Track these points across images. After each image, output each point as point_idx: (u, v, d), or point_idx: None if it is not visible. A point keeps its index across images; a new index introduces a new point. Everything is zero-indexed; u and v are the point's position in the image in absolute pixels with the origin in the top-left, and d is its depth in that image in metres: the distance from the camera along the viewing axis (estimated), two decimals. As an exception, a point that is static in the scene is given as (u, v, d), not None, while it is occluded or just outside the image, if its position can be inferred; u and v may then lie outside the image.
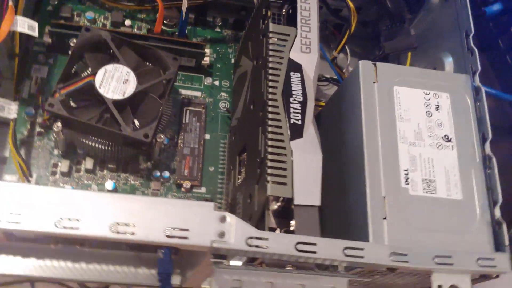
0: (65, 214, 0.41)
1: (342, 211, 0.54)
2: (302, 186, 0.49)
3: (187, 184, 0.63)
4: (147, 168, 0.64)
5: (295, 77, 0.53)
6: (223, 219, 0.44)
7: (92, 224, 0.41)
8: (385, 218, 0.48)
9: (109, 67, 0.58)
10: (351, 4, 0.66)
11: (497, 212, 0.50)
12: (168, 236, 0.42)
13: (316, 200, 0.49)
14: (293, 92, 0.53)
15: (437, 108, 0.54)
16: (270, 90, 0.52)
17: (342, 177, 0.55)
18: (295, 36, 0.55)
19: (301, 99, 0.53)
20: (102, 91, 0.57)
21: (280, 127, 0.51)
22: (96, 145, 0.59)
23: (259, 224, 0.50)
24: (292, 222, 0.48)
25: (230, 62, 0.73)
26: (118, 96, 0.57)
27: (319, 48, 0.56)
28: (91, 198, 0.42)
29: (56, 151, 0.62)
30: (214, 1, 0.73)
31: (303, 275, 0.48)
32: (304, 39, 0.55)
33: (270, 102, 0.52)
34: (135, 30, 0.71)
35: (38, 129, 0.62)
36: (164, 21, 0.71)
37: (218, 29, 0.75)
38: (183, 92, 0.69)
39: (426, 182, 0.50)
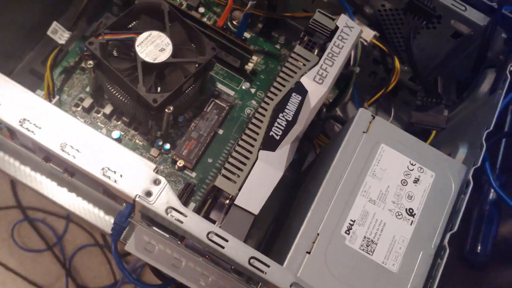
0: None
1: (285, 234, 0.55)
2: (249, 191, 0.51)
3: (180, 163, 0.68)
4: (155, 136, 0.69)
5: (295, 99, 0.56)
6: (156, 182, 0.47)
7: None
8: (308, 252, 0.49)
9: (154, 33, 0.65)
10: (397, 64, 0.67)
11: (424, 302, 0.49)
12: (102, 173, 0.47)
13: (255, 209, 0.51)
14: (286, 110, 0.55)
15: (416, 181, 0.53)
16: (266, 99, 0.56)
17: (300, 205, 0.56)
18: (315, 65, 0.58)
19: (290, 119, 0.55)
20: (138, 49, 0.63)
21: (257, 133, 0.54)
22: (118, 95, 0.66)
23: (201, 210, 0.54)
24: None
25: (275, 78, 0.77)
26: (148, 59, 0.63)
27: (332, 84, 0.58)
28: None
29: (88, 89, 0.70)
30: (285, 20, 0.78)
31: (214, 269, 0.50)
32: (322, 71, 0.58)
33: (259, 109, 0.55)
34: (205, 19, 0.78)
35: (83, 64, 0.71)
36: (233, 22, 0.78)
37: (277, 46, 0.79)
38: (219, 86, 0.75)
39: (367, 240, 0.50)
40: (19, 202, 1.21)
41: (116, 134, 0.68)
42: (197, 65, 0.66)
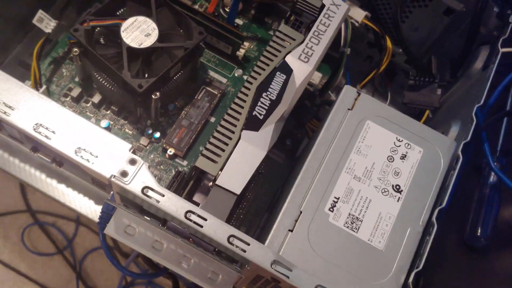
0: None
1: (271, 216, 0.55)
2: (230, 171, 0.51)
3: (171, 151, 0.68)
4: (145, 124, 0.69)
5: (279, 78, 0.56)
6: (132, 162, 0.47)
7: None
8: (291, 230, 0.48)
9: (140, 18, 0.65)
10: (389, 44, 0.66)
11: (411, 279, 0.47)
12: (76, 154, 0.47)
13: (237, 189, 0.51)
14: (269, 90, 0.55)
15: (403, 157, 0.52)
16: (249, 78, 0.55)
17: (286, 187, 0.55)
18: (300, 43, 0.58)
19: (274, 98, 0.55)
20: (123, 35, 0.64)
21: (240, 113, 0.53)
22: (105, 83, 0.66)
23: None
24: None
25: (269, 65, 0.76)
26: (134, 44, 0.63)
27: (318, 62, 0.58)
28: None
29: (77, 79, 0.70)
30: (278, 6, 0.78)
31: (196, 251, 0.49)
32: (308, 49, 0.58)
33: (242, 88, 0.55)
34: (196, 6, 0.78)
35: (72, 54, 0.71)
36: (225, 8, 0.78)
37: (271, 32, 0.79)
38: (211, 73, 0.74)
39: (351, 217, 0.49)
40: (29, 206, 1.22)
41: (104, 123, 0.68)
42: (184, 50, 0.66)
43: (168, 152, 0.68)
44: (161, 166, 0.68)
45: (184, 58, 0.65)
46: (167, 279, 0.66)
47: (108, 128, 0.68)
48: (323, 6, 0.60)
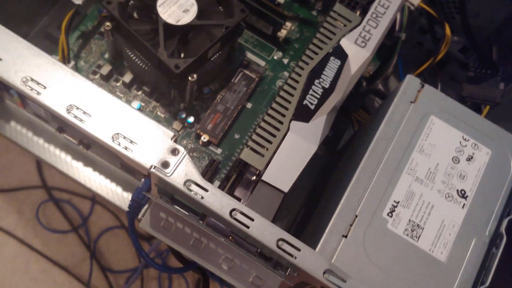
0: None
1: (318, 217, 0.50)
2: (278, 167, 0.47)
3: (205, 138, 0.63)
4: (178, 108, 0.65)
5: (333, 63, 0.51)
6: (175, 152, 0.43)
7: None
8: (344, 236, 0.44)
9: (178, -8, 0.60)
10: (447, 31, 0.61)
11: (478, 295, 0.43)
12: (113, 140, 0.43)
13: (285, 186, 0.46)
14: (322, 76, 0.50)
15: (469, 159, 0.48)
16: (300, 63, 0.51)
17: (336, 186, 0.51)
18: (357, 26, 0.53)
19: (327, 86, 0.50)
20: (159, 10, 0.59)
21: (289, 102, 0.49)
22: (138, 61, 0.61)
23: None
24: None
25: (310, 48, 0.71)
26: (171, 20, 0.59)
27: (376, 48, 0.53)
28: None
29: (107, 55, 0.66)
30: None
31: (238, 251, 0.45)
32: (365, 33, 0.53)
33: (292, 74, 0.50)
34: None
35: (102, 29, 0.67)
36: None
37: (314, 13, 0.74)
38: (249, 55, 0.70)
39: (412, 224, 0.45)
40: (44, 182, 1.19)
41: (136, 104, 0.64)
42: (224, 29, 0.61)
43: (202, 138, 0.64)
44: (194, 153, 0.64)
45: (224, 37, 0.60)
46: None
47: (139, 110, 0.64)
48: (383, -16, 0.55)
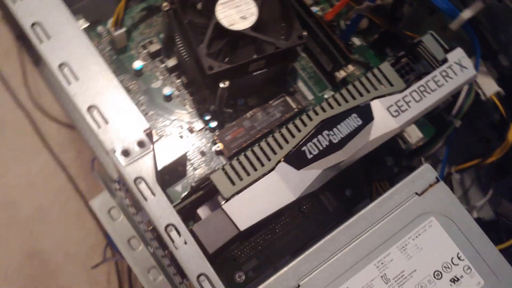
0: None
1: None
2: (246, 201, 0.43)
3: (219, 147, 0.61)
4: (207, 109, 0.63)
5: (353, 121, 0.47)
6: (141, 144, 0.41)
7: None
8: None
9: (239, -1, 0.58)
10: (510, 136, 0.54)
11: None
12: (88, 112, 0.41)
13: (242, 224, 0.43)
14: (334, 130, 0.46)
15: (454, 281, 0.41)
16: (317, 108, 0.47)
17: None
18: (397, 92, 0.48)
19: (335, 141, 0.46)
20: (218, 8, 0.57)
21: (287, 142, 0.45)
22: (182, 50, 0.60)
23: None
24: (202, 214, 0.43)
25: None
26: (224, 22, 0.57)
27: (408, 123, 0.47)
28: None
29: (162, 35, 0.66)
30: (405, 39, 0.67)
31: (170, 269, 0.43)
32: (403, 103, 0.48)
33: (304, 116, 0.46)
34: (317, 8, 0.70)
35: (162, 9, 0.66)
36: (347, 22, 0.69)
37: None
38: (299, 84, 0.66)
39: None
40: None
41: (168, 90, 0.63)
42: (275, 49, 0.58)
43: (216, 146, 0.61)
44: (202, 157, 0.61)
45: (271, 57, 0.58)
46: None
47: (169, 97, 0.63)
48: (445, 60, 0.50)
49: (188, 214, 0.45)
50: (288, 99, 0.64)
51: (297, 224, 0.59)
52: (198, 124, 0.63)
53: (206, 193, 0.45)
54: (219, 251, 0.42)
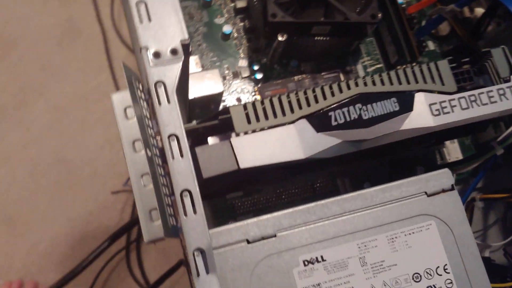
0: None
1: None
2: (254, 143, 0.43)
3: (256, 99, 0.61)
4: (258, 59, 0.64)
5: (390, 105, 0.46)
6: (174, 52, 0.42)
7: None
8: (248, 241, 0.40)
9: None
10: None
11: None
12: (136, 5, 0.42)
13: (245, 163, 0.43)
14: (369, 106, 0.45)
15: (433, 289, 0.40)
16: (358, 80, 0.46)
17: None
18: (445, 93, 0.47)
19: (365, 118, 0.45)
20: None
21: (317, 101, 0.45)
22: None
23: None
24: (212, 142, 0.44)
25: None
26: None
27: (445, 126, 0.46)
28: None
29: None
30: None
31: (161, 177, 0.44)
32: (447, 105, 0.46)
33: (343, 83, 0.46)
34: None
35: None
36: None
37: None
38: (358, 66, 0.66)
39: (316, 290, 0.39)
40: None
41: (228, 28, 0.64)
42: (344, 19, 0.58)
43: (253, 98, 0.62)
44: (237, 102, 0.62)
45: (337, 25, 0.57)
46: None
47: (227, 36, 0.64)
48: (508, 80, 0.48)
49: (198, 139, 0.46)
50: (342, 76, 0.64)
51: (305, 198, 0.59)
52: (245, 71, 0.63)
53: (222, 124, 0.45)
54: (212, 182, 0.43)
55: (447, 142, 0.61)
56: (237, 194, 0.58)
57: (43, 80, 1.34)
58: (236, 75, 0.63)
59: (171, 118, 0.40)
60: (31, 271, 1.22)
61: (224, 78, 0.62)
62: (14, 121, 1.32)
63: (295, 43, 0.59)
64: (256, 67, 0.63)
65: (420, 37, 0.65)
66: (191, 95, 0.55)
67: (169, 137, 0.40)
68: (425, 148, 0.60)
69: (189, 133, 0.44)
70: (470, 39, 0.64)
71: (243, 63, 0.63)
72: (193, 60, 0.59)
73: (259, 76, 0.63)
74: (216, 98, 0.57)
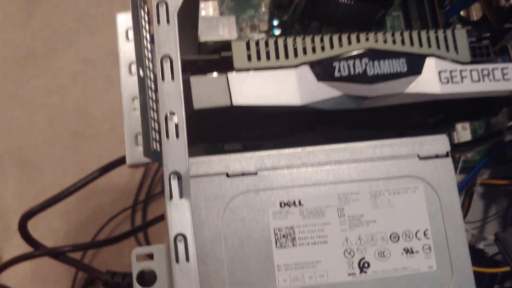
0: None
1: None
2: (249, 81, 0.43)
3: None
4: (280, 15, 0.63)
5: (398, 65, 0.45)
6: None
7: None
8: (227, 175, 0.40)
9: None
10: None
11: None
12: None
13: (238, 100, 0.43)
14: (375, 63, 0.44)
15: (408, 252, 0.39)
16: (370, 35, 0.45)
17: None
18: (458, 62, 0.46)
19: (370, 74, 0.44)
20: None
21: (323, 50, 0.44)
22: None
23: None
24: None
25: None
26: None
27: (452, 96, 0.45)
28: None
29: None
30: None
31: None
32: (458, 75, 0.45)
33: (351, 35, 0.45)
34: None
35: None
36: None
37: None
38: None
39: (289, 233, 0.39)
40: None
41: (276, 21, 0.63)
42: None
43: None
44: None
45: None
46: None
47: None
48: (527, 59, 0.46)
49: (197, 73, 0.46)
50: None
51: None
52: (263, 26, 0.63)
53: (223, 62, 0.45)
54: (204, 117, 0.43)
55: (459, 128, 0.60)
56: (235, 147, 0.58)
57: (75, 31, 1.36)
58: (254, 27, 0.63)
59: (167, 39, 0.40)
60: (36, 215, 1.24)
61: (241, 29, 0.62)
62: (42, 67, 1.34)
63: (319, 3, 0.58)
64: (275, 23, 0.62)
65: (449, 18, 0.63)
66: (203, 38, 0.55)
67: (162, 58, 0.40)
68: (433, 127, 0.59)
69: (188, 64, 0.44)
70: (499, 27, 0.62)
71: (263, 16, 0.63)
72: (211, 5, 0.59)
73: (277, 32, 0.62)
74: (229, 45, 0.57)
